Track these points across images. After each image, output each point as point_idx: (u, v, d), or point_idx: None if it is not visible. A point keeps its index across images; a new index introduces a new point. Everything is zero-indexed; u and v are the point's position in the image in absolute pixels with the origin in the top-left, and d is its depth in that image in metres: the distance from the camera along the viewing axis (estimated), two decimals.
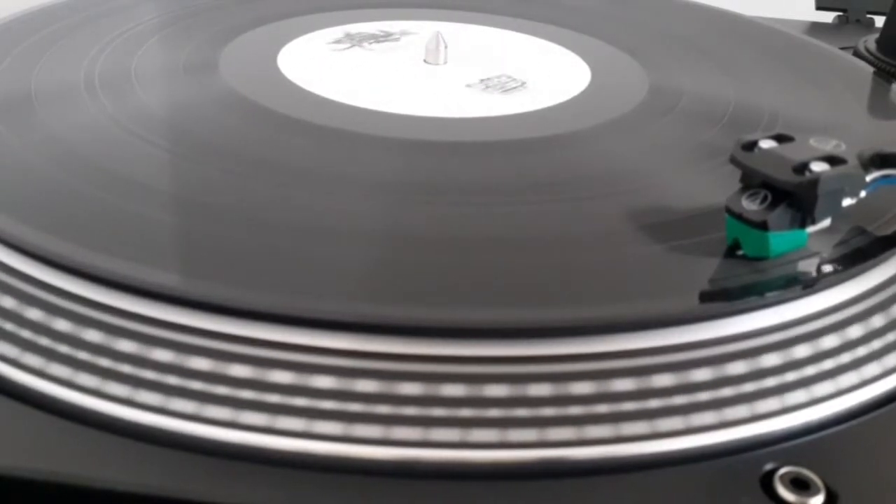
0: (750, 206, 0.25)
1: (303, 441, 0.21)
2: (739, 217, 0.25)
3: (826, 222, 0.26)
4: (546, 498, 0.20)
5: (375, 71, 0.40)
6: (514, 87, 0.39)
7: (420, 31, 0.46)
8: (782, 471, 0.21)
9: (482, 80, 0.39)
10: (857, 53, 0.48)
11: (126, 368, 0.22)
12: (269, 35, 0.44)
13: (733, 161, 0.26)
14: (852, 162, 0.25)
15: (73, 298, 0.23)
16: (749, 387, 0.23)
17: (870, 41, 0.49)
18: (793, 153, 0.25)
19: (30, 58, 0.38)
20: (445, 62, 0.42)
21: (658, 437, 0.21)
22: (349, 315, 0.23)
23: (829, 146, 0.26)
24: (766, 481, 0.20)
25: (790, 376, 0.23)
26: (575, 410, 0.21)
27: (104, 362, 0.22)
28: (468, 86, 0.39)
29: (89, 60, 0.39)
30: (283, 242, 0.26)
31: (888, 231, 0.28)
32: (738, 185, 0.26)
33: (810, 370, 0.23)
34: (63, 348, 0.22)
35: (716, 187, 0.28)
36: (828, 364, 0.24)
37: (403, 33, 0.44)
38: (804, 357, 0.23)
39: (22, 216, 0.26)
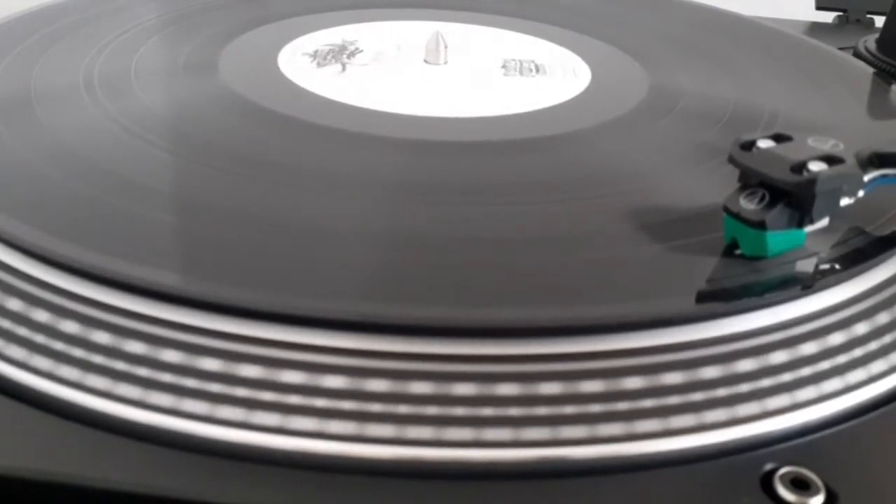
0: (748, 205, 0.25)
1: (304, 441, 0.21)
2: (737, 216, 0.25)
3: (824, 222, 0.26)
4: (547, 497, 0.20)
5: (375, 71, 0.40)
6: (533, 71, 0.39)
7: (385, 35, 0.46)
8: (782, 471, 0.21)
9: (504, 66, 0.40)
10: (857, 53, 0.48)
11: (127, 368, 0.22)
12: (270, 35, 0.44)
13: (731, 160, 0.26)
14: (850, 161, 0.25)
15: (72, 297, 0.23)
16: (748, 387, 0.23)
17: (870, 41, 0.49)
18: (791, 153, 0.25)
19: (30, 58, 0.38)
20: (446, 62, 0.42)
21: (657, 438, 0.21)
22: (357, 315, 0.23)
23: (827, 146, 0.26)
24: (766, 481, 0.20)
25: (790, 376, 0.23)
26: (572, 410, 0.21)
27: (103, 361, 0.22)
28: (501, 68, 0.39)
29: (89, 60, 0.39)
30: (285, 242, 0.26)
31: (887, 231, 0.28)
32: (736, 185, 0.26)
33: (811, 370, 0.23)
34: (64, 348, 0.22)
35: (716, 187, 0.28)
36: (827, 364, 0.24)
37: (351, 43, 0.44)
38: (803, 357, 0.23)
39: (22, 216, 0.26)
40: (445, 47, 0.42)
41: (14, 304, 0.24)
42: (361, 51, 0.41)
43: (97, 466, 0.20)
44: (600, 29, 0.48)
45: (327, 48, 0.41)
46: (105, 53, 0.40)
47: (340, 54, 0.39)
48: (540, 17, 0.49)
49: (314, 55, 0.40)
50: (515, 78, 0.39)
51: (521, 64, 0.40)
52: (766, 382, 0.23)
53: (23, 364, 0.22)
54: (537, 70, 0.39)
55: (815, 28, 0.57)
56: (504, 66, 0.40)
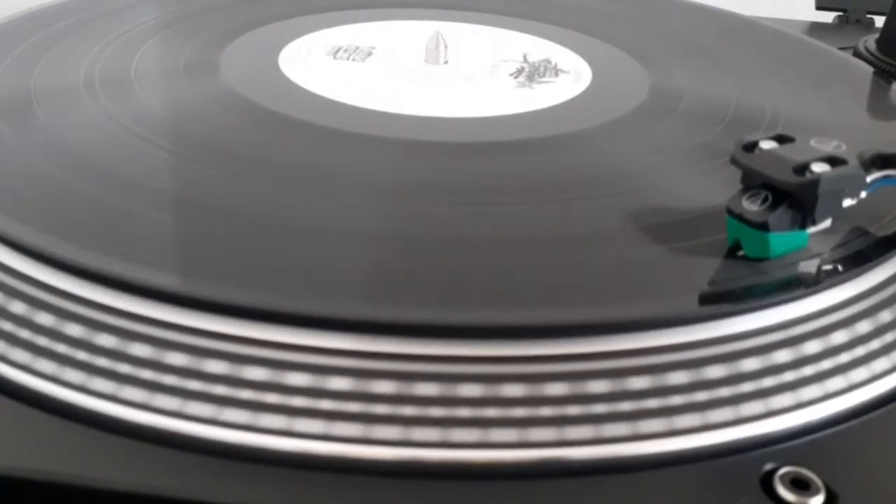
0: (750, 206, 0.25)
1: (306, 442, 0.21)
2: (740, 218, 0.25)
3: (827, 223, 0.26)
4: (547, 496, 0.20)
5: (376, 71, 0.40)
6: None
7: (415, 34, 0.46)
8: (782, 471, 0.21)
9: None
10: (857, 53, 0.48)
11: (126, 368, 0.22)
12: (270, 35, 0.44)
13: (734, 162, 0.26)
14: (853, 162, 0.25)
15: (71, 298, 0.23)
16: (749, 387, 0.23)
17: (870, 41, 0.49)
18: (793, 154, 0.25)
19: (30, 58, 0.38)
20: (446, 62, 0.42)
21: (657, 437, 0.21)
22: (356, 315, 0.23)
23: (830, 147, 0.26)
24: (766, 481, 0.20)
25: (790, 376, 0.23)
26: (573, 410, 0.21)
27: (104, 362, 0.22)
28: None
29: (90, 60, 0.39)
30: (283, 243, 0.26)
31: (890, 231, 0.28)
32: (739, 186, 0.26)
33: (811, 370, 0.23)
34: (64, 349, 0.22)
35: (718, 188, 0.28)
36: (827, 364, 0.24)
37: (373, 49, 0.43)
38: (804, 357, 0.24)
39: (22, 216, 0.26)
40: (445, 47, 0.42)
41: (16, 307, 0.24)
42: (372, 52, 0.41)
43: (97, 466, 0.20)
44: (600, 29, 0.48)
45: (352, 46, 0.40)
46: (106, 53, 0.40)
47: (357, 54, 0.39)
48: (540, 17, 0.49)
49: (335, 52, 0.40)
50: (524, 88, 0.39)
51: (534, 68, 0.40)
52: (767, 382, 0.23)
53: (23, 365, 0.22)
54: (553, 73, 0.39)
55: (815, 28, 0.57)
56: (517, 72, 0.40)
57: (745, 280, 0.25)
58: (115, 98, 0.35)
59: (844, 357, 0.24)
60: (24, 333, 0.23)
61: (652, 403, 0.22)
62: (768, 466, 0.21)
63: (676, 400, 0.22)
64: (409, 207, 0.29)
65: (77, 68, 0.38)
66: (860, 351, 0.24)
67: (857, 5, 0.59)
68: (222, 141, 0.32)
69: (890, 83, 0.43)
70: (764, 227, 0.25)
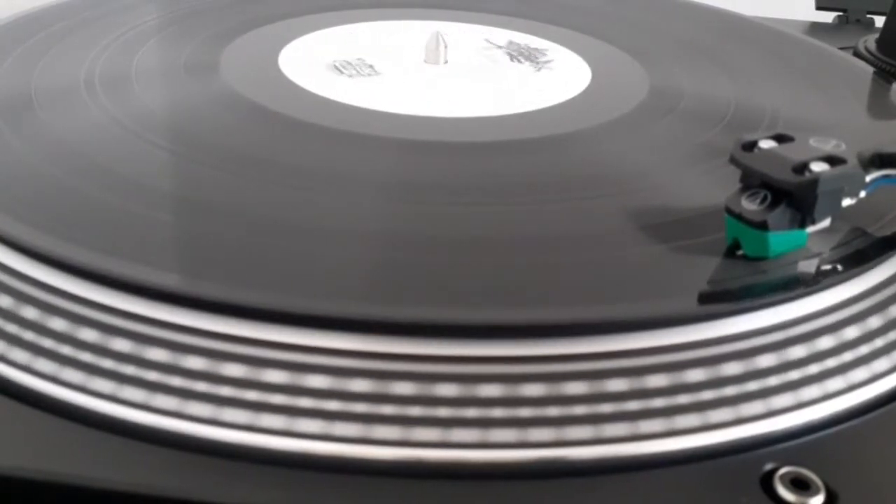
0: (749, 205, 0.25)
1: (304, 441, 0.21)
2: (739, 217, 0.25)
3: (826, 222, 0.26)
4: (545, 497, 0.20)
5: (376, 71, 0.40)
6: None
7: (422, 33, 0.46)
8: (782, 471, 0.21)
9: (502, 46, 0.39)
10: (857, 53, 0.48)
11: (126, 368, 0.22)
12: (270, 35, 0.44)
13: (733, 161, 0.26)
14: (852, 162, 0.25)
15: (72, 298, 0.23)
16: (749, 386, 0.23)
17: (870, 41, 0.49)
18: (792, 153, 0.25)
19: (31, 58, 0.38)
20: (445, 62, 0.42)
21: (657, 437, 0.21)
22: (347, 314, 0.23)
23: (829, 146, 0.26)
24: (766, 481, 0.20)
25: (791, 376, 0.23)
26: (574, 410, 0.21)
27: (105, 362, 0.22)
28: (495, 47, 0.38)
29: (90, 60, 0.39)
30: (281, 242, 0.26)
31: (889, 231, 0.28)
32: (738, 186, 0.26)
33: (811, 370, 0.23)
34: (65, 349, 0.22)
35: (716, 188, 0.28)
36: (828, 363, 0.24)
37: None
38: (804, 357, 0.23)
39: (22, 216, 0.26)
40: (445, 47, 0.42)
41: (5, 302, 0.24)
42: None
43: (97, 466, 0.20)
44: (600, 29, 0.48)
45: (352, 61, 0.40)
46: (106, 53, 0.40)
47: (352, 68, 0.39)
48: (540, 17, 0.49)
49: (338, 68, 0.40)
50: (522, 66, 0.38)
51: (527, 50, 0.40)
52: (769, 382, 0.23)
53: (23, 365, 0.22)
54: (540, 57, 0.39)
55: (815, 28, 0.57)
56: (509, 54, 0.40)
57: (746, 280, 0.25)
58: (116, 98, 0.35)
59: (847, 356, 0.24)
60: (28, 335, 0.23)
61: (654, 403, 0.22)
62: (768, 466, 0.21)
63: (678, 400, 0.22)
64: (407, 207, 0.29)
65: (77, 68, 0.38)
66: (863, 350, 0.24)
67: (857, 5, 0.59)
68: (222, 141, 0.32)
69: (890, 83, 0.43)
70: (763, 226, 0.25)
